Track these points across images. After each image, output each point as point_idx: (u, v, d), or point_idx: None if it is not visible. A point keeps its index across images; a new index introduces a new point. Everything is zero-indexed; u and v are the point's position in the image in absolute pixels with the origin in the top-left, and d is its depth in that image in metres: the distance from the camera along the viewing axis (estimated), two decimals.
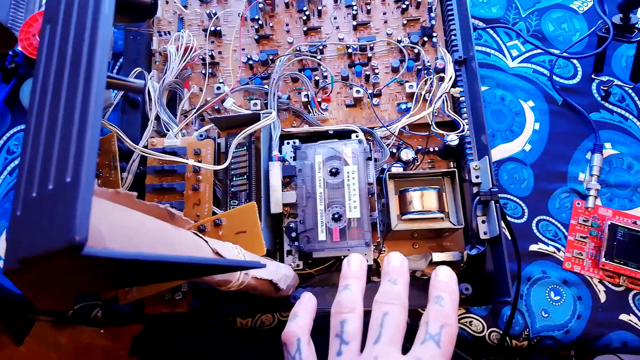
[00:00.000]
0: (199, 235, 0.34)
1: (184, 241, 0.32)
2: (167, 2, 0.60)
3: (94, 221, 0.22)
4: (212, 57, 0.57)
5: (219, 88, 0.56)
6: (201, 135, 0.52)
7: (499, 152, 0.58)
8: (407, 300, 0.29)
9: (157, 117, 0.54)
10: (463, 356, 0.55)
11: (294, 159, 0.50)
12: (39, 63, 0.27)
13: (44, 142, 0.23)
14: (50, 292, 0.34)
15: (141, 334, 0.91)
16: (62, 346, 0.99)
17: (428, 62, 0.54)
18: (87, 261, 0.21)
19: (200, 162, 0.50)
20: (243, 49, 0.58)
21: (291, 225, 0.48)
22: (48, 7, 0.29)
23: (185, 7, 0.60)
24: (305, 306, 0.32)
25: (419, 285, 0.46)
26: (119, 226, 0.26)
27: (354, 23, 0.57)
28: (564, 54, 0.59)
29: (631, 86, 0.59)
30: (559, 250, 0.54)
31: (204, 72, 0.57)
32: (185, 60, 0.56)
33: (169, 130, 0.53)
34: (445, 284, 0.29)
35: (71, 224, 0.19)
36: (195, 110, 0.55)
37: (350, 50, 0.56)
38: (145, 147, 0.51)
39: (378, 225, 0.47)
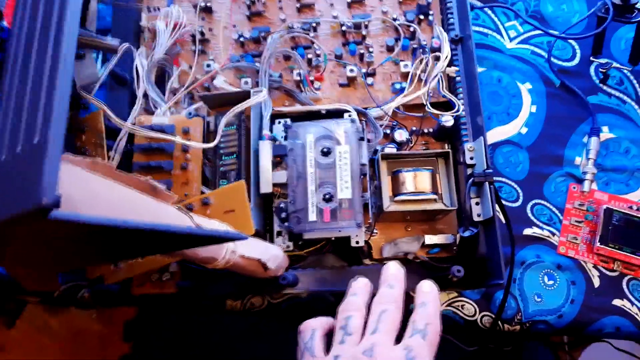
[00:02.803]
0: (183, 211, 0.33)
1: (166, 215, 0.31)
2: None
3: (67, 188, 0.20)
4: (202, 33, 0.55)
5: (209, 65, 0.54)
6: (190, 114, 0.50)
7: (495, 134, 0.57)
8: (403, 304, 0.33)
9: (145, 95, 0.52)
10: (454, 342, 0.54)
11: (285, 138, 0.49)
12: (13, 27, 0.26)
13: (14, 105, 0.22)
14: (33, 269, 0.33)
15: (135, 319, 0.90)
16: (54, 331, 0.98)
17: (424, 40, 0.53)
18: (57, 227, 0.20)
19: (189, 140, 0.49)
20: (234, 26, 0.56)
21: (281, 206, 0.47)
22: None
23: None
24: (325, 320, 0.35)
25: (412, 269, 0.46)
26: (97, 196, 0.25)
27: (349, 0, 0.55)
28: (563, 35, 0.57)
29: (630, 69, 0.58)
30: (553, 234, 0.54)
31: (193, 49, 0.56)
32: (174, 36, 0.54)
33: (157, 108, 0.52)
34: (428, 294, 0.33)
35: (38, 185, 0.18)
36: (184, 87, 0.53)
37: (344, 28, 0.54)
38: (133, 124, 0.50)
39: (370, 207, 0.46)
